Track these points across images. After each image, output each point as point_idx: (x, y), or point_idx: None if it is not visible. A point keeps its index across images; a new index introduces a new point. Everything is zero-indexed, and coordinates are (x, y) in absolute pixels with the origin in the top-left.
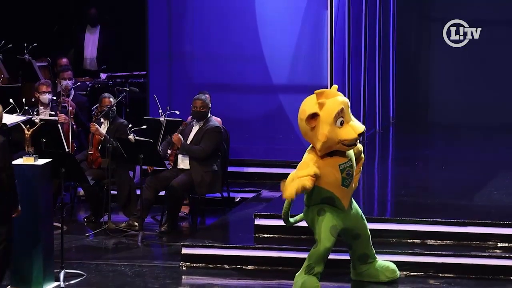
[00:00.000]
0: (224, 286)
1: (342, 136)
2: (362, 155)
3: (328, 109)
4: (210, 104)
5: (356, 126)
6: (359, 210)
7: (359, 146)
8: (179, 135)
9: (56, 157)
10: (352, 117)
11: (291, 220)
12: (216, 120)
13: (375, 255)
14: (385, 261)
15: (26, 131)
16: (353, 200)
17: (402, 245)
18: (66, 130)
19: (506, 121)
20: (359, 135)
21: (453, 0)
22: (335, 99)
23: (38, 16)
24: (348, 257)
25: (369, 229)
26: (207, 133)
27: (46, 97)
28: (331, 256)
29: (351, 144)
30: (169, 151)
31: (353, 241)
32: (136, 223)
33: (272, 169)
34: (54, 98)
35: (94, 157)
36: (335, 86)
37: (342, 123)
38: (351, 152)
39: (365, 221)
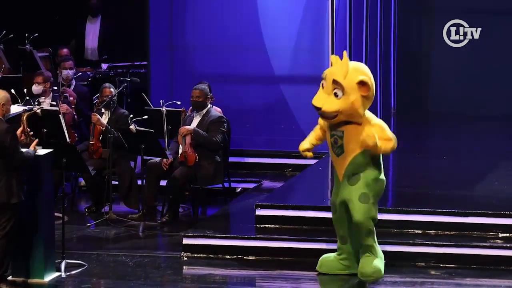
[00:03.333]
0: (225, 276)
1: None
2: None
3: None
4: (209, 94)
5: (317, 96)
6: (360, 193)
7: (369, 139)
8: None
9: (57, 147)
10: (330, 88)
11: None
12: (216, 110)
13: (371, 246)
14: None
15: (23, 118)
16: (362, 180)
17: (403, 236)
18: (67, 120)
19: (507, 111)
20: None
21: None
22: (335, 61)
23: (39, 6)
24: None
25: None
26: (213, 124)
27: (35, 88)
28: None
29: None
30: (180, 150)
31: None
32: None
33: (273, 159)
34: (55, 88)
35: (95, 147)
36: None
37: (336, 95)
38: (354, 127)
39: (363, 208)
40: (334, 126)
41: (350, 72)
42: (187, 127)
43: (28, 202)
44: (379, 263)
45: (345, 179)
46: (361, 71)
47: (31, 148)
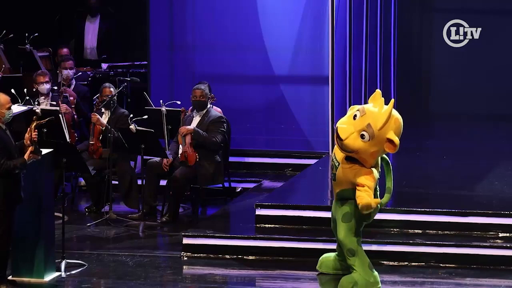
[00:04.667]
0: (225, 276)
1: None
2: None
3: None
4: (209, 94)
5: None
6: (343, 213)
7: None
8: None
9: (58, 147)
10: (361, 126)
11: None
12: (216, 110)
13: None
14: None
15: (31, 126)
16: (348, 204)
17: (403, 235)
18: (67, 120)
19: (507, 111)
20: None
21: None
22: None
23: (39, 6)
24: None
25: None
26: (213, 124)
27: (44, 87)
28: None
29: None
30: (180, 150)
31: None
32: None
33: (273, 159)
34: (55, 88)
35: (95, 147)
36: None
37: (363, 136)
38: (348, 164)
39: (344, 227)
40: (336, 151)
41: (388, 126)
42: (187, 127)
43: (28, 202)
44: (360, 280)
45: (337, 200)
46: (397, 129)
47: (25, 157)
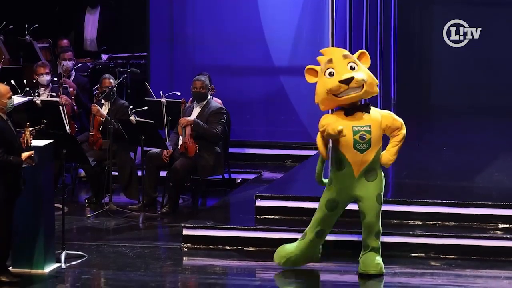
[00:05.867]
0: (225, 267)
1: (327, 85)
2: (402, 131)
3: (320, 62)
4: (209, 85)
5: (342, 74)
6: (377, 193)
7: (394, 120)
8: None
9: (58, 139)
10: (348, 68)
11: (324, 180)
12: (216, 102)
13: (377, 248)
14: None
15: (26, 132)
16: (378, 178)
17: (403, 227)
18: (67, 111)
19: (507, 103)
20: (341, 81)
21: None
22: (327, 51)
23: None
24: (348, 239)
25: None
26: (213, 115)
27: (44, 79)
28: (334, 238)
29: (338, 92)
30: (180, 141)
31: (361, 216)
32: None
33: (273, 150)
34: (55, 79)
35: (95, 138)
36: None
37: (331, 74)
38: (376, 118)
39: (377, 208)
40: (356, 122)
41: (345, 51)
42: (187, 118)
43: (28, 193)
44: (381, 261)
45: (362, 176)
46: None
47: (23, 158)
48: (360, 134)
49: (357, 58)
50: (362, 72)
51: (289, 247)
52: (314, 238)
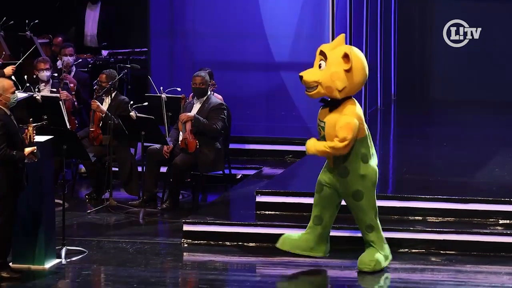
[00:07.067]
0: (226, 263)
1: None
2: (337, 143)
3: None
4: (210, 81)
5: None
6: (353, 190)
7: (340, 128)
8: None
9: (58, 134)
10: (316, 65)
11: None
12: (217, 97)
13: (375, 242)
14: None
15: (29, 128)
16: (352, 175)
17: (403, 222)
18: (67, 107)
19: (508, 98)
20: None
21: None
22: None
23: None
24: (345, 234)
25: None
26: (213, 111)
27: (44, 74)
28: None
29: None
30: (180, 137)
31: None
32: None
33: (273, 146)
34: (55, 75)
35: (96, 134)
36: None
37: (320, 66)
38: (334, 118)
39: (356, 204)
40: (320, 116)
41: (340, 47)
42: (188, 113)
43: (28, 189)
44: (380, 257)
45: (336, 169)
46: (350, 48)
47: (25, 153)
48: (318, 128)
49: (343, 56)
50: (321, 74)
51: (293, 234)
52: (312, 224)
